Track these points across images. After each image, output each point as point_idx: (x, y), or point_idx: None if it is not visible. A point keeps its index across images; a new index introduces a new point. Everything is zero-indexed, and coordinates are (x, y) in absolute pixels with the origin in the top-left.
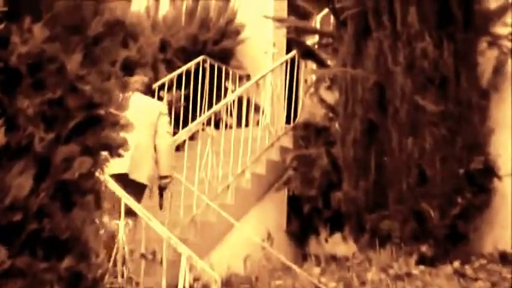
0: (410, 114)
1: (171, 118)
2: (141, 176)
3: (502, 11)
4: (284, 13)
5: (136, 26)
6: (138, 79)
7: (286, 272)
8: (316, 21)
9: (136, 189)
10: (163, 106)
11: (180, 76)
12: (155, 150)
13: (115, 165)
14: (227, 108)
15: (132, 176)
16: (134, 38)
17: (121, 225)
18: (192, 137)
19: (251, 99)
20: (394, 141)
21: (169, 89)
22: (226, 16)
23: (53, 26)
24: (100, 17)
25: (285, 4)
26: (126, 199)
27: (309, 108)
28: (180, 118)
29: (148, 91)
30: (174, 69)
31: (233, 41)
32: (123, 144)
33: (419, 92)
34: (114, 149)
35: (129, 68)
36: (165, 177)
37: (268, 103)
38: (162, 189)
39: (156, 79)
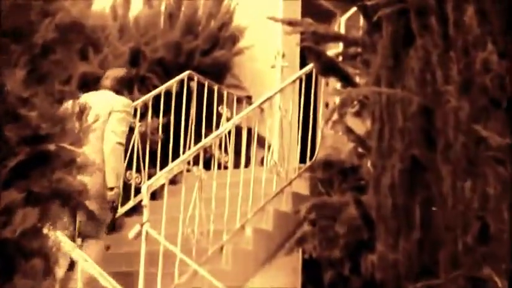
0: (467, 148)
1: (144, 154)
2: None
3: None
4: (297, 14)
5: (99, 31)
6: (110, 74)
7: None
8: (340, 25)
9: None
10: (120, 102)
11: (157, 98)
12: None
13: None
14: (221, 142)
15: None
16: (96, 47)
17: None
18: (173, 180)
19: (253, 130)
20: (446, 185)
21: (143, 115)
22: (219, 18)
23: None
24: (51, 19)
25: (299, 3)
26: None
27: (331, 142)
28: (158, 155)
29: (123, 88)
30: (149, 89)
31: (229, 51)
32: (81, 190)
33: (480, 119)
34: (69, 197)
35: (88, 87)
36: (111, 189)
37: (276, 135)
38: (112, 207)
39: None
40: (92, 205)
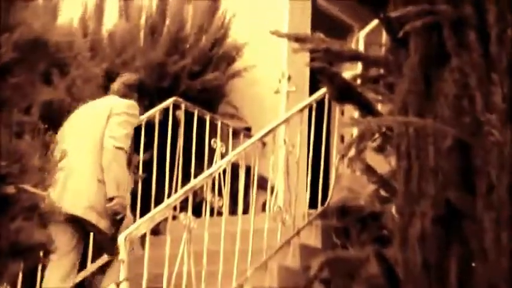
0: None
1: None
2: (75, 205)
3: None
4: (306, 28)
5: (66, 49)
6: (120, 78)
7: None
8: (359, 41)
9: (75, 225)
10: (121, 104)
11: (137, 130)
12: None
13: None
14: (214, 183)
15: (65, 209)
16: (62, 69)
17: None
18: (156, 230)
19: (253, 168)
20: (488, 236)
21: None
22: (212, 33)
23: None
24: (8, 36)
25: (308, 14)
26: None
27: (348, 183)
28: (138, 198)
29: (132, 93)
30: None
31: (223, 73)
32: (46, 243)
33: None
34: (31, 252)
35: (54, 117)
36: (110, 199)
37: (281, 174)
38: (115, 221)
39: None
40: (101, 223)
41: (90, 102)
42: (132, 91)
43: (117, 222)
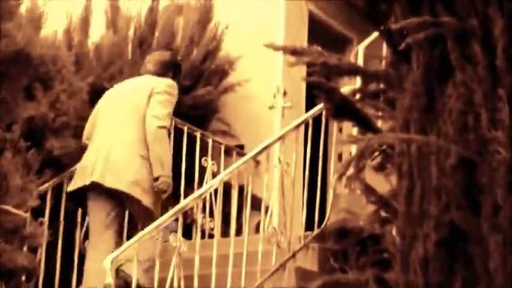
0: None
1: None
2: (118, 181)
3: None
4: (303, 40)
5: (50, 63)
6: (151, 58)
7: None
8: (358, 54)
9: (114, 201)
10: (162, 82)
11: None
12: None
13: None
14: (205, 204)
15: (107, 184)
16: (46, 83)
17: None
18: None
19: (246, 188)
20: (493, 260)
21: None
22: (203, 45)
23: None
24: None
25: (305, 26)
26: None
27: (346, 203)
28: (125, 220)
29: (168, 72)
30: None
31: (215, 87)
32: (30, 269)
33: None
34: (13, 275)
35: (37, 134)
36: (156, 179)
37: (276, 194)
38: (161, 198)
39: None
40: (144, 198)
41: (125, 81)
42: (167, 69)
43: (164, 201)
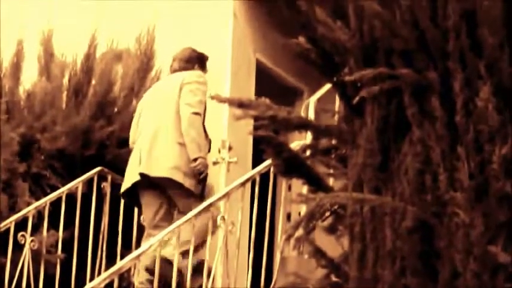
0: (480, 279)
1: (37, 280)
2: (161, 169)
3: None
4: (250, 92)
5: None
6: (177, 55)
7: None
8: (309, 107)
9: (163, 196)
10: (191, 74)
11: (56, 204)
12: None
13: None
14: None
15: (152, 174)
16: None
17: None
18: None
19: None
20: None
21: (37, 227)
22: (144, 92)
23: None
24: None
25: (252, 77)
26: None
27: (294, 267)
28: (56, 282)
29: (192, 65)
30: (45, 192)
31: None
32: None
33: (497, 239)
34: None
35: None
36: (194, 160)
37: (219, 256)
38: (199, 179)
39: (14, 208)
40: (187, 181)
41: (165, 77)
42: (191, 64)
43: (201, 181)
